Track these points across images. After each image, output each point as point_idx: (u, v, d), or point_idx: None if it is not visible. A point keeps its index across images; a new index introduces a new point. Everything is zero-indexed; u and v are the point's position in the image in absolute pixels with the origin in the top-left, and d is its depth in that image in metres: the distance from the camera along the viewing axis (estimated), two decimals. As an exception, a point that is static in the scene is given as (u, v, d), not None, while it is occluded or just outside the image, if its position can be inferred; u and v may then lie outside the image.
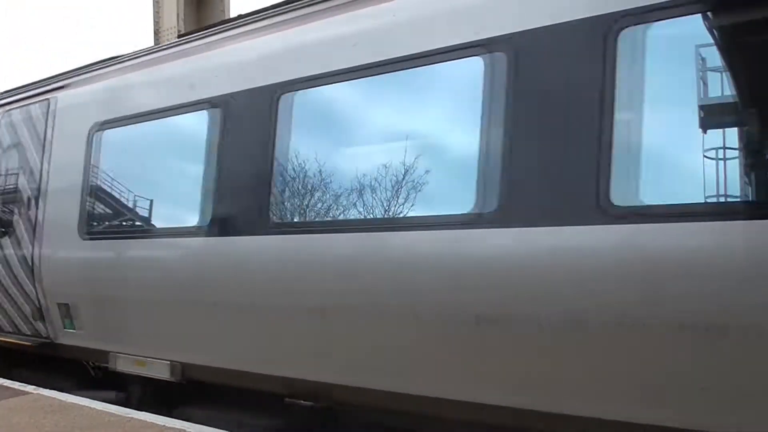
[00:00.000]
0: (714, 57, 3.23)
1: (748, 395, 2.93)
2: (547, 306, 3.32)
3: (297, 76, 4.39)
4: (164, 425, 4.42)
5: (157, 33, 12.63)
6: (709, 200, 3.09)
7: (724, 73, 3.20)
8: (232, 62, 4.87)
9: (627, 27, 3.29)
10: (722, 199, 3.10)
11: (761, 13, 3.07)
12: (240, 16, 5.32)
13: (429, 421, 3.89)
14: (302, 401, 4.31)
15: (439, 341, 3.70)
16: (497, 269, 3.50)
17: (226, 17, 11.82)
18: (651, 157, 3.26)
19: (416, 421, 3.95)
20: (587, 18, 3.37)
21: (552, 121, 3.44)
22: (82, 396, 5.31)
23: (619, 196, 3.19)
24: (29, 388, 5.68)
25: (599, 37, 3.32)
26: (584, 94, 3.35)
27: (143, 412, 4.76)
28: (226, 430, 4.37)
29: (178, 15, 12.38)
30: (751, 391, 2.92)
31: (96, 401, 5.16)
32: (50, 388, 5.59)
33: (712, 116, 3.19)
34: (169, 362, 4.98)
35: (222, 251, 4.63)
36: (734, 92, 3.18)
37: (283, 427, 4.62)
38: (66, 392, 5.52)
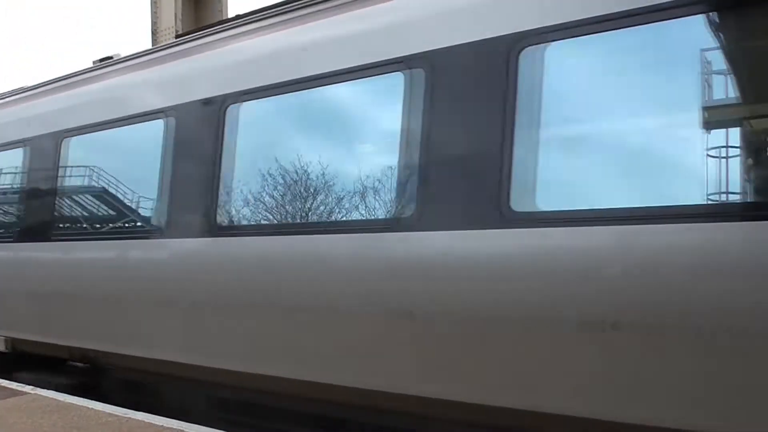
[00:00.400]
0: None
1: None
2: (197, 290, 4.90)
3: (70, 126, 6.12)
4: (162, 425, 4.42)
5: (154, 33, 12.61)
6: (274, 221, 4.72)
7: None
8: (35, 114, 6.69)
9: (230, 104, 4.82)
10: (285, 220, 4.67)
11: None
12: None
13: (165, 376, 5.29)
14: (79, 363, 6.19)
15: (154, 317, 5.21)
16: (168, 264, 5.14)
17: (224, 17, 11.82)
18: (239, 196, 4.81)
19: (157, 376, 5.39)
20: (210, 97, 4.95)
21: (195, 169, 5.01)
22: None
23: (221, 220, 4.84)
24: (27, 388, 5.68)
25: (216, 112, 4.88)
26: (208, 150, 4.90)
27: (141, 413, 4.77)
28: (223, 429, 4.38)
29: (175, 15, 12.35)
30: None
31: (94, 401, 5.16)
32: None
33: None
34: (4, 338, 6.68)
35: (27, 254, 6.45)
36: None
37: (68, 383, 6.01)
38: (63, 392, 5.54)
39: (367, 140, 4.62)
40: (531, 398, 3.42)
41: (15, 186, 6.89)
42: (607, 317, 3.17)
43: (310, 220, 4.50)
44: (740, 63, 3.33)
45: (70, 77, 6.56)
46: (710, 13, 3.22)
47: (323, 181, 4.40)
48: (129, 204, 5.84)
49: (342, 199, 4.34)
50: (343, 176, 4.33)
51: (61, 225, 6.38)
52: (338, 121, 4.63)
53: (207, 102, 4.97)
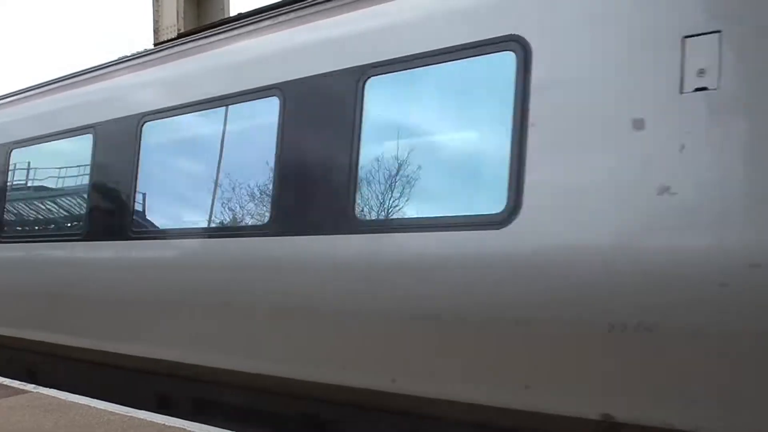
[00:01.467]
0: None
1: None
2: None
3: None
4: (164, 423, 4.42)
5: (156, 32, 12.57)
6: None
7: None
8: None
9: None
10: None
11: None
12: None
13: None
14: None
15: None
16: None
17: (225, 16, 11.79)
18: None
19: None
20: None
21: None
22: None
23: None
24: (29, 386, 5.68)
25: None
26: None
27: (143, 411, 4.76)
28: (225, 429, 4.37)
29: (177, 13, 12.31)
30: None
31: (96, 400, 5.16)
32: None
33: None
34: None
35: None
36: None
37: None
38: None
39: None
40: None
41: None
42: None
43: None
44: None
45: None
46: None
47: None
48: None
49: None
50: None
51: None
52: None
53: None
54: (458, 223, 3.51)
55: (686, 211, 2.91)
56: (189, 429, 4.32)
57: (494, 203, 3.38)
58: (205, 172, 4.85)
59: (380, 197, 3.95)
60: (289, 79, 4.34)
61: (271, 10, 4.97)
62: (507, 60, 3.40)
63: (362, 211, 3.97)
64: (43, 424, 4.45)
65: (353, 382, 3.90)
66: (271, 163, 4.40)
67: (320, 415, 4.27)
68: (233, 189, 4.69)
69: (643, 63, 3.08)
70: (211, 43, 5.08)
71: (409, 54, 3.79)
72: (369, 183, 3.96)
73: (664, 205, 2.96)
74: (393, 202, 3.90)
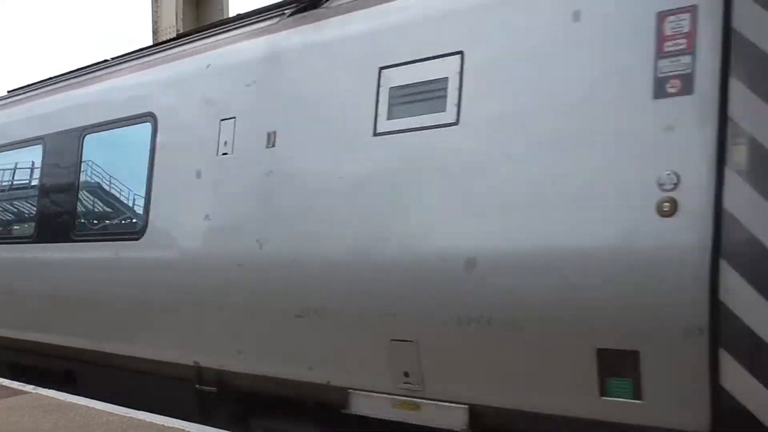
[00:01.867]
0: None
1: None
2: None
3: None
4: (163, 424, 4.43)
5: (155, 32, 12.59)
6: None
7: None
8: None
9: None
10: None
11: None
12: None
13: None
14: None
15: None
16: None
17: (224, 16, 11.81)
18: None
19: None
20: None
21: None
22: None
23: None
24: (28, 387, 5.69)
25: None
26: None
27: (143, 412, 4.77)
28: (224, 429, 4.39)
29: (176, 14, 12.33)
30: None
31: (95, 401, 5.17)
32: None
33: None
34: None
35: None
36: None
37: None
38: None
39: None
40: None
41: None
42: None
43: None
44: None
45: None
46: None
47: None
48: None
49: None
50: None
51: None
52: None
53: None
54: (119, 235, 5.53)
55: (217, 230, 4.63)
56: (188, 429, 4.33)
57: (139, 224, 5.26)
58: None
59: (86, 218, 6.00)
60: (48, 132, 6.37)
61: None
62: (148, 128, 5.27)
63: (78, 226, 5.92)
64: (42, 424, 4.46)
65: (79, 344, 5.74)
66: (37, 194, 6.45)
67: (72, 371, 6.05)
68: (17, 212, 6.96)
69: (205, 136, 4.79)
70: (21, 99, 7.16)
71: (102, 120, 5.76)
72: (81, 207, 5.95)
73: (206, 227, 4.68)
74: (92, 221, 6.01)
